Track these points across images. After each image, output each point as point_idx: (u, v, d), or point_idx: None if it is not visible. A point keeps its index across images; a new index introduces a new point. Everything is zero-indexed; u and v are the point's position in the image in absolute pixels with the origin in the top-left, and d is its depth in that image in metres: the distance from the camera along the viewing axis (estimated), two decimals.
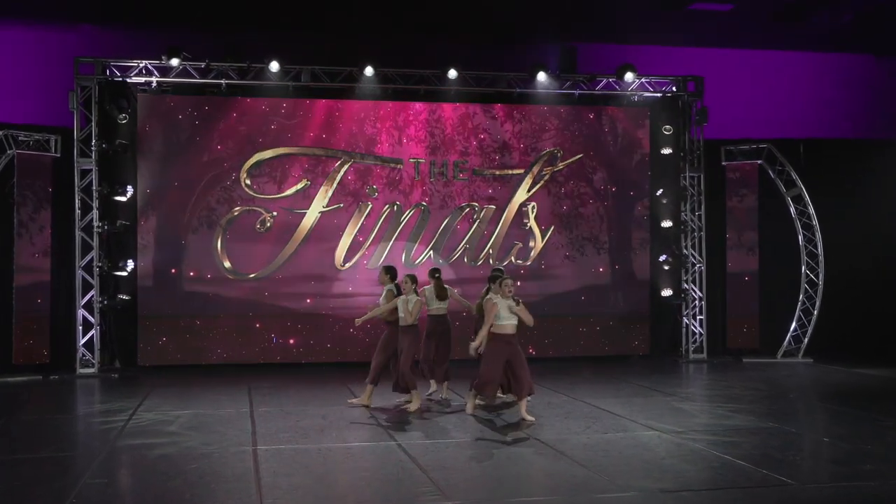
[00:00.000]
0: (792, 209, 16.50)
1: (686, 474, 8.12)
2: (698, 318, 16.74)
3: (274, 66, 15.21)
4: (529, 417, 10.59)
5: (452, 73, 15.73)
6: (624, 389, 13.06)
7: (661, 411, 11.20)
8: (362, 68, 15.49)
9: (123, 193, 15.02)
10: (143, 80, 15.26)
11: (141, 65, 15.16)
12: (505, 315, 10.41)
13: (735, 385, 13.55)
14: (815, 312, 16.38)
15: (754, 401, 12.15)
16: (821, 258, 16.34)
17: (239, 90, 15.63)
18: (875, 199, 16.94)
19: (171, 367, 15.16)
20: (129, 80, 15.19)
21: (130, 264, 15.11)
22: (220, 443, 9.39)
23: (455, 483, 7.85)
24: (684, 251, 16.74)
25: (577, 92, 16.52)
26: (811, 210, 16.34)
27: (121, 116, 15.04)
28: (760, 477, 7.97)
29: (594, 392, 12.75)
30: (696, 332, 16.73)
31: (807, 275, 16.48)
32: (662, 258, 16.48)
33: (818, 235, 16.34)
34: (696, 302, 16.75)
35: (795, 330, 16.49)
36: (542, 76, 15.97)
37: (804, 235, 16.48)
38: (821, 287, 16.36)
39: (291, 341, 15.80)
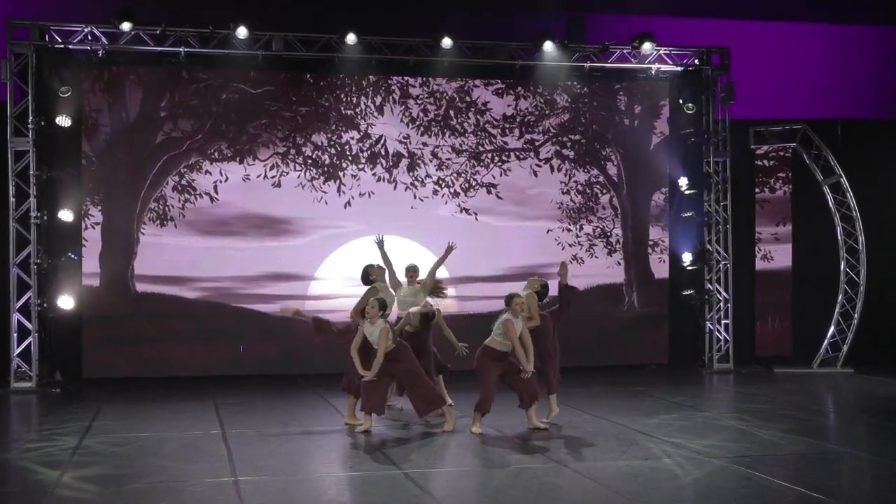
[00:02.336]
0: (830, 199, 15.91)
1: None
2: (723, 322, 16.13)
3: (241, 32, 14.36)
4: (542, 424, 10.61)
5: (447, 43, 14.98)
6: (651, 405, 12.38)
7: (703, 431, 10.53)
8: (343, 36, 14.67)
9: (65, 179, 14.13)
10: (88, 47, 14.36)
11: (86, 30, 14.24)
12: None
13: (777, 399, 12.89)
14: (856, 316, 15.80)
15: (804, 419, 11.54)
16: (862, 255, 15.76)
17: (200, 60, 14.78)
18: None
19: (122, 381, 14.30)
20: (71, 48, 14.27)
21: (74, 261, 14.25)
22: (192, 474, 8.56)
23: None
24: (708, 247, 16.13)
25: (586, 65, 15.83)
26: (851, 200, 15.76)
27: (62, 89, 14.12)
28: None
29: (617, 408, 12.06)
30: (721, 337, 16.12)
31: (846, 273, 15.89)
32: (688, 258, 15.86)
33: (859, 229, 15.76)
34: (721, 304, 16.14)
35: (833, 336, 15.90)
36: (548, 46, 15.24)
37: (843, 229, 15.89)
38: (862, 287, 15.77)
39: (262, 350, 15.01)
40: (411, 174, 15.47)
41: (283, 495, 7.92)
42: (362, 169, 15.29)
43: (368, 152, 15.33)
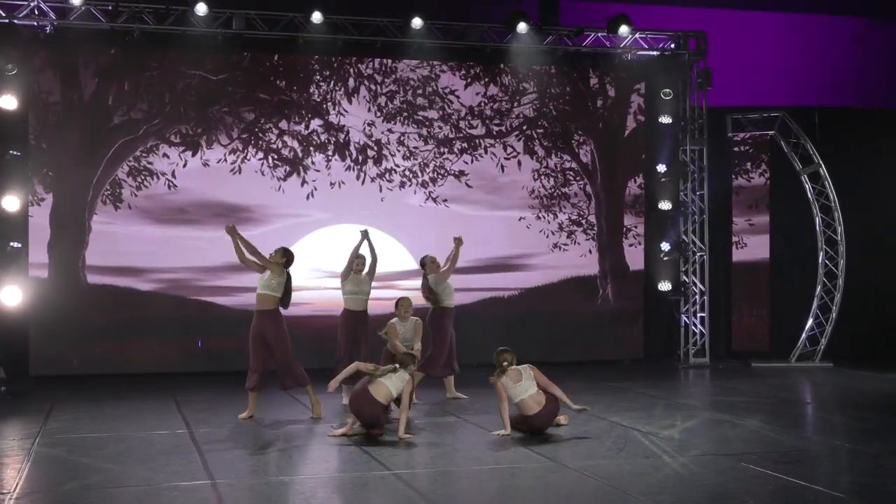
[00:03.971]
0: (808, 189, 15.73)
1: None
2: (699, 315, 15.87)
3: (200, 8, 13.78)
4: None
5: (417, 23, 14.53)
6: (638, 400, 12.02)
7: (698, 429, 10.21)
8: (308, 15, 14.19)
9: (10, 163, 13.50)
10: (35, 23, 13.72)
11: (33, 3, 13.60)
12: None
13: (764, 395, 12.63)
14: (835, 309, 15.63)
15: (798, 415, 11.35)
16: (841, 246, 15.58)
17: (156, 39, 14.18)
18: None
19: (72, 378, 13.66)
20: (17, 22, 13.62)
21: (19, 249, 13.57)
22: (165, 477, 8.00)
23: None
24: (683, 238, 15.86)
25: (560, 47, 15.48)
26: (830, 190, 15.58)
27: (7, 68, 13.48)
28: None
29: (602, 405, 11.67)
30: (697, 331, 15.86)
31: (825, 265, 15.72)
32: (665, 247, 15.58)
33: (838, 219, 15.57)
34: (697, 297, 15.88)
35: (812, 329, 15.71)
36: (522, 27, 14.86)
37: (822, 219, 15.72)
38: (841, 280, 15.60)
39: (220, 345, 14.43)
40: (378, 167, 14.99)
41: (267, 499, 7.41)
42: (328, 163, 14.76)
43: (333, 144, 14.80)
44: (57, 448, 9.14)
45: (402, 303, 11.55)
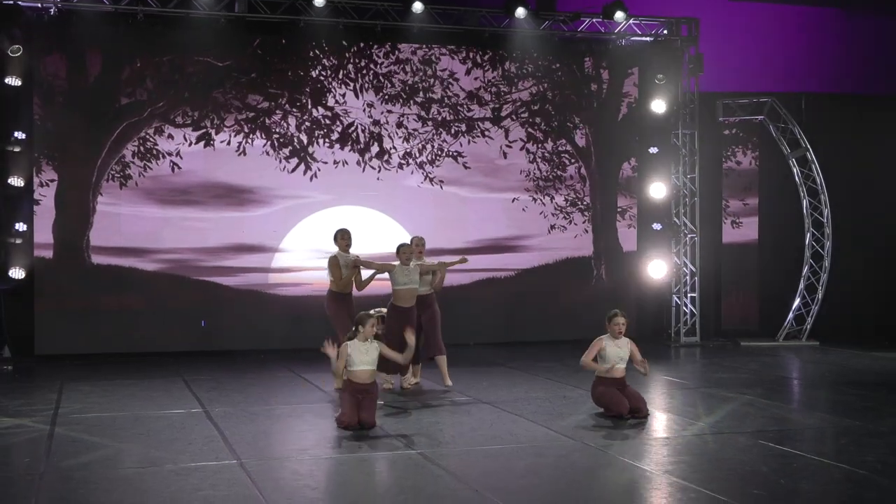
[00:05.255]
0: (796, 172, 15.53)
1: (805, 492, 6.88)
2: (689, 295, 15.65)
3: None
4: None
5: (417, 7, 14.13)
6: (640, 380, 11.79)
7: (707, 406, 10.01)
8: None
9: (15, 143, 13.03)
10: (39, 4, 13.22)
11: None
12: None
13: (762, 373, 12.44)
14: (821, 289, 15.47)
15: (799, 393, 11.21)
16: (827, 228, 15.41)
17: (159, 21, 13.69)
18: (889, 161, 16.13)
19: (77, 357, 13.24)
20: (21, 4, 13.13)
21: (24, 230, 13.13)
22: (192, 457, 7.66)
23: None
24: (675, 220, 15.62)
25: (556, 32, 15.17)
26: (817, 173, 15.38)
27: (12, 48, 13.01)
28: None
29: None
30: (687, 311, 15.64)
31: (812, 246, 15.54)
32: (656, 228, 15.35)
33: (825, 202, 15.39)
34: (688, 277, 15.65)
35: (799, 309, 15.53)
36: (520, 12, 14.51)
37: (809, 202, 15.53)
38: (827, 261, 15.43)
39: (223, 325, 14.07)
40: (378, 148, 14.63)
41: (297, 477, 7.10)
42: (332, 150, 14.39)
43: (338, 133, 14.41)
44: (75, 429, 8.77)
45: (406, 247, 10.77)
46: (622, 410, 9.07)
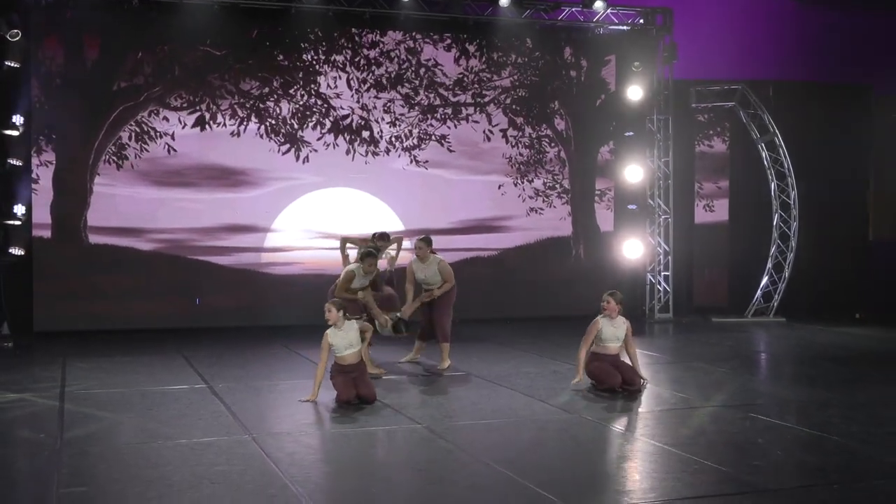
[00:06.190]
0: (765, 156, 15.57)
1: (811, 465, 6.88)
2: (663, 274, 15.66)
3: None
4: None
5: None
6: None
7: (696, 382, 10.01)
8: None
9: (14, 126, 12.71)
10: None
11: None
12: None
13: (737, 348, 12.47)
14: (788, 268, 15.54)
15: (775, 367, 11.28)
16: (794, 210, 15.47)
17: (155, 7, 13.44)
18: (851, 146, 16.21)
19: (75, 334, 13.01)
20: None
21: (23, 211, 12.86)
22: (203, 432, 7.53)
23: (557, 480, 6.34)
24: (649, 201, 15.61)
25: (537, 20, 15.07)
26: (785, 157, 15.42)
27: (11, 33, 12.66)
28: None
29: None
30: (661, 288, 15.66)
31: (779, 227, 15.60)
32: (631, 207, 15.34)
33: (791, 185, 15.44)
34: (662, 257, 15.66)
35: (766, 287, 15.61)
36: (504, 1, 14.39)
37: (777, 185, 15.58)
38: (793, 241, 15.50)
39: (217, 303, 13.89)
40: (366, 134, 14.47)
41: (311, 451, 7.01)
42: (322, 136, 14.21)
43: (330, 120, 14.22)
44: (84, 404, 8.62)
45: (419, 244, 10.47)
46: (615, 383, 9.05)
